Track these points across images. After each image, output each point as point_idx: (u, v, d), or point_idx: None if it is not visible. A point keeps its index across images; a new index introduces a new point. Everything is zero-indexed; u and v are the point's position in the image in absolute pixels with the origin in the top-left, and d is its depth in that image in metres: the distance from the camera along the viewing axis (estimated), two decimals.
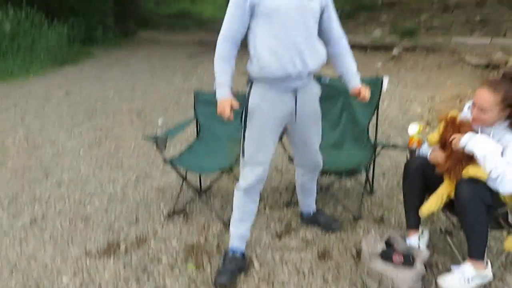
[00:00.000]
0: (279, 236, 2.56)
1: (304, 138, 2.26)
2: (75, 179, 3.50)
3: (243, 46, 2.07)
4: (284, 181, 3.34)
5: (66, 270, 2.27)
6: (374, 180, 3.16)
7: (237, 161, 2.41)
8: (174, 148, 4.03)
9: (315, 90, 2.22)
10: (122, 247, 2.48)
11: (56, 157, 4.05)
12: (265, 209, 2.89)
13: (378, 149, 2.79)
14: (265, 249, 2.42)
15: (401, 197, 2.33)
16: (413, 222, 2.24)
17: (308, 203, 2.62)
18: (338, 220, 2.68)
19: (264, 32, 1.96)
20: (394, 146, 2.69)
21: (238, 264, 2.18)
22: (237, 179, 2.21)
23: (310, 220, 2.64)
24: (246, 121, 2.09)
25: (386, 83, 2.71)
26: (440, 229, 2.52)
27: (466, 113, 2.08)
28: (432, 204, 2.04)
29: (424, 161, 2.15)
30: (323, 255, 2.35)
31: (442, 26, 8.61)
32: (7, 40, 8.96)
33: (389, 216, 2.77)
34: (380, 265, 1.98)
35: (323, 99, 2.99)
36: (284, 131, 2.29)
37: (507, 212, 1.99)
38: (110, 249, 2.46)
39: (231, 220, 2.24)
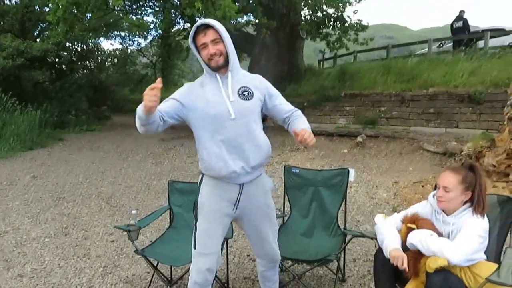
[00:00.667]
0: None
1: (255, 231, 2.29)
2: (38, 271, 3.34)
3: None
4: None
5: None
6: (346, 267, 3.19)
7: None
8: (144, 235, 3.96)
9: (266, 185, 2.28)
10: None
11: (19, 246, 3.87)
12: None
13: (348, 237, 2.87)
14: None
15: (372, 284, 2.37)
16: None
17: None
18: None
19: (205, 136, 2.08)
20: (363, 235, 2.78)
21: None
22: None
23: None
24: (197, 213, 2.17)
25: (353, 174, 2.89)
26: None
27: (431, 201, 2.25)
28: None
29: None
30: None
31: (400, 117, 9.32)
32: None
33: None
34: None
35: (293, 189, 3.13)
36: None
37: None
38: None
39: None
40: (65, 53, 14.45)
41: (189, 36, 2.10)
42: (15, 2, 15.29)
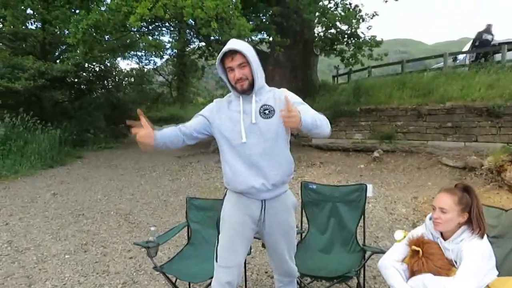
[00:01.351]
0: None
1: (273, 247, 2.33)
2: (59, 287, 3.38)
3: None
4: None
5: None
6: (365, 284, 3.14)
7: None
8: (162, 251, 3.97)
9: (288, 202, 2.30)
10: None
11: (40, 262, 3.93)
12: None
13: (367, 254, 2.83)
14: None
15: None
16: None
17: None
18: None
19: (228, 153, 2.18)
20: (383, 252, 2.73)
21: None
22: None
23: None
24: (219, 226, 2.24)
25: (371, 190, 2.87)
26: None
27: (428, 224, 2.20)
28: None
29: None
30: None
31: (417, 131, 9.22)
32: None
33: None
34: None
35: (311, 205, 3.11)
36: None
37: None
38: None
39: None
40: (84, 74, 14.83)
41: (217, 58, 2.19)
42: (37, 26, 15.84)
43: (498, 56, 11.07)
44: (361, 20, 11.78)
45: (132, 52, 21.29)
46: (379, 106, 10.11)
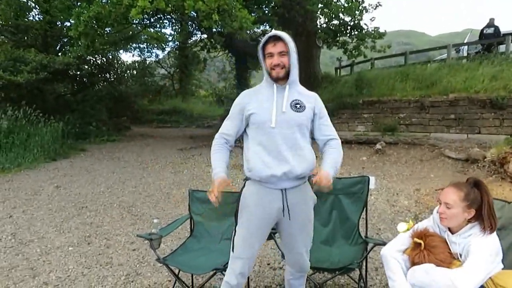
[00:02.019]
0: None
1: (289, 239, 2.32)
2: (63, 279, 3.40)
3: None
4: (277, 278, 3.30)
5: None
6: (368, 275, 3.15)
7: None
8: (165, 243, 3.99)
9: (308, 194, 2.31)
10: None
11: (44, 254, 3.96)
12: None
13: (369, 246, 2.84)
14: None
15: None
16: None
17: None
18: None
19: (254, 139, 2.21)
20: (385, 243, 2.74)
21: None
22: None
23: None
24: (237, 217, 2.25)
25: (373, 182, 2.87)
26: None
27: (435, 216, 2.20)
28: None
29: None
30: None
31: (420, 123, 9.20)
32: (2, 136, 9.22)
33: None
34: None
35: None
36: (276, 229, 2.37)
37: None
38: None
39: None
40: (86, 66, 14.81)
41: (260, 43, 2.22)
42: (38, 18, 15.80)
43: (502, 48, 11.01)
44: (364, 11, 11.70)
45: (134, 44, 21.20)
46: (381, 98, 10.09)
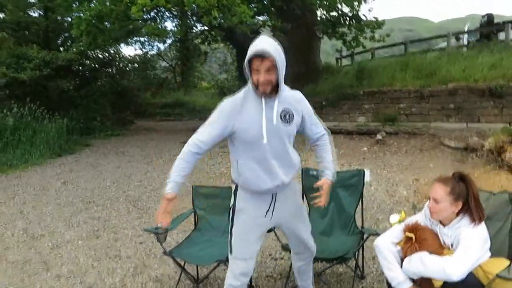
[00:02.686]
0: None
1: (292, 232, 2.47)
2: (74, 271, 3.58)
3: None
4: (278, 268, 3.45)
5: None
6: (365, 264, 3.30)
7: None
8: (170, 236, 4.15)
9: (294, 188, 2.46)
10: None
11: (55, 248, 4.14)
12: None
13: (365, 235, 2.98)
14: None
15: None
16: None
17: (306, 286, 2.73)
18: None
19: (246, 153, 2.20)
20: (378, 234, 2.88)
21: None
22: None
23: None
24: (233, 219, 2.31)
25: (369, 175, 3.00)
26: None
27: (426, 212, 2.32)
28: None
29: None
30: None
31: (420, 113, 9.28)
32: (8, 133, 9.40)
33: None
34: None
35: (311, 190, 3.24)
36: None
37: None
38: None
39: None
40: (88, 62, 14.90)
41: (246, 58, 2.10)
42: (39, 14, 15.85)
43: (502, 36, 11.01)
44: (363, 1, 11.70)
45: (135, 38, 21.21)
46: (382, 88, 10.15)
